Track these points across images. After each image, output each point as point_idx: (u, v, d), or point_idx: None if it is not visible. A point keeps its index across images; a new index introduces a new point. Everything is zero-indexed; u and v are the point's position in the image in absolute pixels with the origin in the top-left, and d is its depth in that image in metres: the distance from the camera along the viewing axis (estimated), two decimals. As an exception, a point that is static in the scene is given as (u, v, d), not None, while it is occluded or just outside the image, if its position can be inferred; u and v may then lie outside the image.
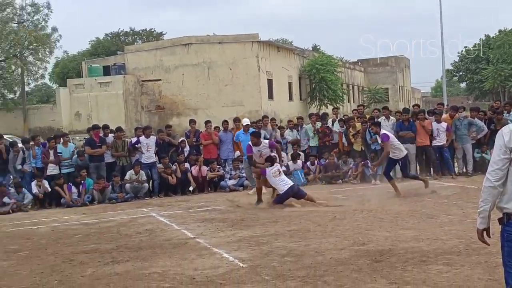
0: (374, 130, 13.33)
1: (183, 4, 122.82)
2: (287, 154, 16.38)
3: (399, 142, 12.94)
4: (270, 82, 37.13)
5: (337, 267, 6.43)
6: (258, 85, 35.48)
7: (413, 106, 19.08)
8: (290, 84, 40.91)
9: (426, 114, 15.82)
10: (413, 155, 15.24)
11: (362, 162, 15.36)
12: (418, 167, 15.48)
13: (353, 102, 51.19)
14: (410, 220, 9.28)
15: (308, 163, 16.03)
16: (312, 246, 7.63)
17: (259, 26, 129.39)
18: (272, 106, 36.52)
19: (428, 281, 5.74)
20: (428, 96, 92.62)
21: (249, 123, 15.08)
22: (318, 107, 41.65)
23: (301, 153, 16.39)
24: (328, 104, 41.48)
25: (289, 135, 16.87)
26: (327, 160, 15.79)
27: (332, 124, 16.63)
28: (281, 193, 11.53)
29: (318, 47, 61.06)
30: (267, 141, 12.34)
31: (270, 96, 37.07)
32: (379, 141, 13.22)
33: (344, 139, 16.02)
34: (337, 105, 37.83)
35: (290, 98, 40.89)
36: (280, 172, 11.70)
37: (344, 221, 9.50)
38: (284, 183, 11.57)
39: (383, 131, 12.91)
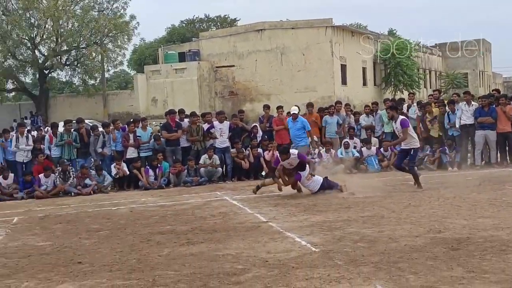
0: (390, 114, 12.09)
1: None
2: (360, 140, 16.24)
3: (413, 132, 12.02)
4: (343, 67, 36.69)
5: (412, 254, 6.32)
6: (331, 71, 35.14)
7: (492, 90, 18.37)
8: (364, 69, 40.28)
9: (508, 99, 15.21)
10: (493, 142, 14.73)
11: (440, 149, 14.98)
12: (498, 155, 14.93)
13: (430, 88, 49.76)
14: (490, 208, 8.98)
15: (382, 149, 15.79)
16: (386, 233, 7.53)
17: (333, 11, 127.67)
18: (345, 92, 36.11)
19: (507, 270, 5.55)
20: (510, 81, 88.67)
21: (297, 112, 14.93)
22: (393, 92, 40.82)
23: (376, 139, 16.19)
24: (403, 90, 40.57)
25: (365, 120, 16.67)
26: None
27: (407, 110, 16.29)
28: (314, 192, 11.50)
29: (394, 31, 59.51)
30: (295, 151, 12.03)
31: (344, 82, 36.66)
32: (396, 127, 11.81)
33: (421, 125, 15.65)
34: (413, 90, 36.94)
35: (364, 84, 40.28)
36: (311, 174, 11.63)
37: (420, 208, 9.31)
38: (315, 184, 11.53)
39: (402, 117, 11.93)
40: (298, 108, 15.47)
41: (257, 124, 16.56)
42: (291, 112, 15.00)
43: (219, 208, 10.56)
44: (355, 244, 6.97)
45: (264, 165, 15.34)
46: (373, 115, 16.70)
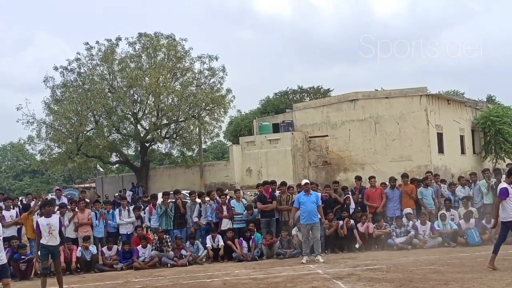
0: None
1: (349, 59, 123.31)
2: (457, 211, 15.73)
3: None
4: (440, 135, 35.88)
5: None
6: (427, 139, 34.46)
7: None
8: (462, 137, 39.15)
9: None
10: None
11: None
12: None
13: (534, 156, 47.31)
14: None
15: (484, 221, 15.14)
16: (486, 313, 7.18)
17: (428, 78, 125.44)
18: (442, 161, 35.17)
19: None
20: None
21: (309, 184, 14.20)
22: (494, 161, 39.26)
23: (474, 209, 15.62)
24: (505, 158, 38.92)
25: (461, 191, 16.17)
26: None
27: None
28: None
29: (493, 97, 57.75)
30: None
31: (440, 150, 35.76)
32: None
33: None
34: (516, 159, 35.38)
35: (462, 152, 39.04)
36: None
37: (523, 287, 8.81)
38: None
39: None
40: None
41: (349, 195, 16.44)
42: (302, 183, 14.36)
43: (312, 282, 10.48)
44: (452, 324, 6.70)
45: (357, 237, 15.12)
46: (469, 186, 16.21)
